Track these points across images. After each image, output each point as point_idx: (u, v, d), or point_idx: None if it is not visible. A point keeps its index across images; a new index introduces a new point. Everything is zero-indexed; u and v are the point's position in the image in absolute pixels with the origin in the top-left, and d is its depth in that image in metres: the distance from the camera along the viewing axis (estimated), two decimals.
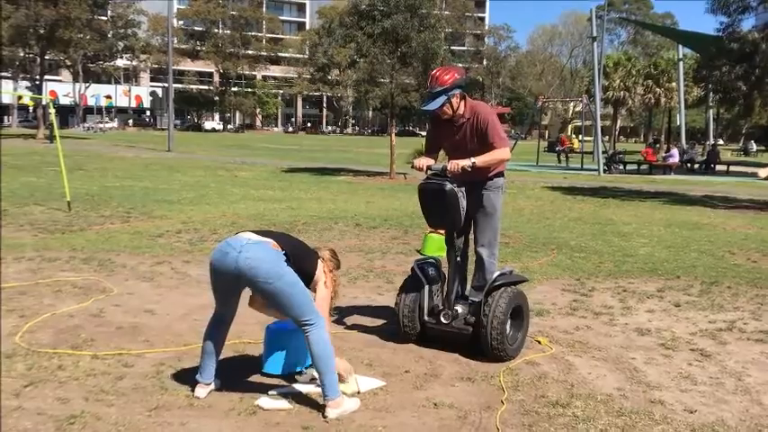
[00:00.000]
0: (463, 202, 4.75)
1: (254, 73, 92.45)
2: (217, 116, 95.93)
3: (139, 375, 4.38)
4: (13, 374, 4.31)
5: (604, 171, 27.79)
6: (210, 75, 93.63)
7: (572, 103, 67.27)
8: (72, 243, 8.69)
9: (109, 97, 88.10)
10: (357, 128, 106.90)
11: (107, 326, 5.40)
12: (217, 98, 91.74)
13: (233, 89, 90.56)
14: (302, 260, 4.07)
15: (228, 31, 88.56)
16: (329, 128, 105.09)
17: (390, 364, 4.72)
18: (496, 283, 4.86)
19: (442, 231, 8.32)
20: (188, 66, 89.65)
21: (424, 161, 4.90)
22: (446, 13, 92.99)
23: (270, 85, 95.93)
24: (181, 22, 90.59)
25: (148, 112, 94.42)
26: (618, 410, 4.00)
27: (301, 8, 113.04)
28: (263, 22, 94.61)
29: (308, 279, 4.12)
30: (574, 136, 40.83)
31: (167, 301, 6.15)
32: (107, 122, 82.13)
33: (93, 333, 5.20)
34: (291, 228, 10.41)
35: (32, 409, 3.80)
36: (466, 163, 4.69)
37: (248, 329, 5.16)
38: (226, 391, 4.13)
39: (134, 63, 78.03)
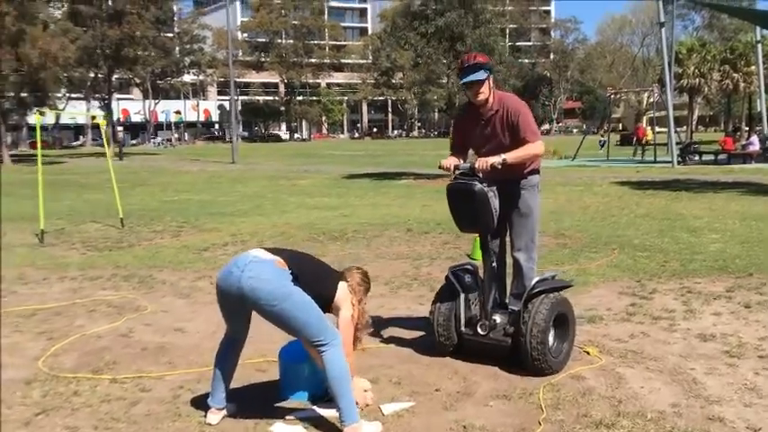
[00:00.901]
0: (495, 203, 4.41)
1: (318, 81, 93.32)
2: (284, 126, 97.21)
3: (155, 400, 4.20)
4: (28, 402, 4.21)
5: (679, 162, 26.67)
6: (275, 85, 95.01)
7: (645, 94, 65.25)
8: (117, 260, 8.69)
9: (178, 112, 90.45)
10: (423, 130, 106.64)
11: (133, 346, 5.27)
12: (283, 108, 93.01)
13: (298, 98, 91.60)
14: (316, 281, 3.80)
15: (291, 41, 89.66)
16: (395, 132, 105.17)
17: (421, 381, 4.41)
18: (536, 290, 4.50)
19: None
20: (253, 77, 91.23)
21: (452, 161, 4.58)
22: (510, 8, 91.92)
23: (334, 92, 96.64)
24: (245, 35, 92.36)
25: (217, 126, 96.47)
26: (669, 431, 3.59)
27: (363, 13, 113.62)
28: (326, 30, 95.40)
29: (325, 302, 3.86)
30: (649, 127, 39.44)
31: (200, 319, 6.01)
32: (175, 137, 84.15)
33: (118, 355, 5.07)
34: (341, 236, 10.21)
35: None
36: (496, 160, 4.35)
37: (275, 347, 4.92)
38: (240, 417, 3.91)
39: (201, 78, 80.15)
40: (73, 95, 64.13)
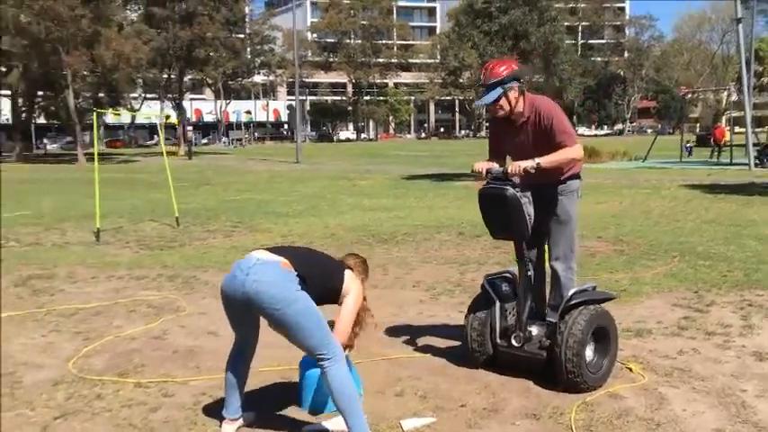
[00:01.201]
0: (529, 209, 4.19)
1: (385, 81, 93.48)
2: (351, 126, 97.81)
3: (176, 406, 4.14)
4: (51, 404, 4.20)
5: (756, 165, 25.55)
6: (343, 85, 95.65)
7: (725, 93, 62.97)
8: (165, 260, 8.76)
9: (249, 112, 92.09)
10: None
11: (164, 349, 5.24)
12: (350, 108, 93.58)
13: (365, 98, 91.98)
14: (325, 278, 3.67)
15: (359, 41, 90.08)
16: (462, 132, 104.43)
17: (447, 395, 4.22)
18: (573, 302, 4.25)
19: None
20: (321, 78, 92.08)
21: (484, 165, 4.36)
22: (582, 5, 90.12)
23: (401, 92, 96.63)
24: (314, 36, 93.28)
25: (286, 126, 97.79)
26: None
27: (432, 12, 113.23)
28: (394, 30, 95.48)
29: (336, 294, 3.73)
30: (727, 128, 37.85)
31: None
32: (245, 136, 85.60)
33: (148, 357, 5.05)
34: (390, 239, 10.07)
35: None
36: (529, 164, 4.13)
37: (300, 354, 4.81)
38: (257, 428, 3.80)
39: (271, 78, 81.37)
40: (148, 96, 66.14)
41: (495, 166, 4.29)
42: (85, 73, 38.18)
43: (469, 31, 20.52)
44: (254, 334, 3.77)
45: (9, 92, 44.68)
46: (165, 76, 50.12)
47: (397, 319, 5.95)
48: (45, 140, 69.33)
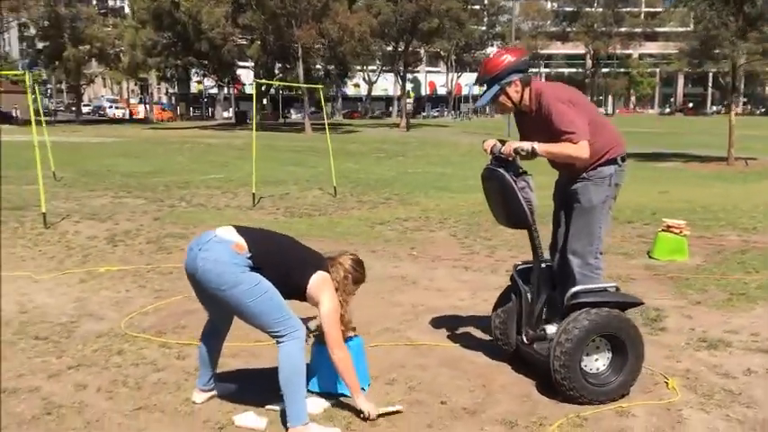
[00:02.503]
0: (530, 195, 3.78)
1: (627, 52, 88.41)
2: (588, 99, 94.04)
3: (179, 370, 4.28)
4: (77, 355, 4.52)
5: None
6: (579, 57, 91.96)
7: None
8: (295, 227, 9.05)
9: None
10: (749, 107, 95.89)
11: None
12: (587, 81, 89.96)
13: (603, 70, 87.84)
14: (283, 271, 3.50)
15: (601, 9, 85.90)
16: (713, 108, 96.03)
17: (437, 389, 3.94)
18: (576, 301, 3.75)
19: (678, 230, 6.94)
20: (557, 49, 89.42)
21: (491, 142, 3.96)
22: None
23: (645, 63, 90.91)
24: (554, 5, 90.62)
25: None
26: None
27: None
28: None
29: (298, 291, 3.56)
30: None
31: None
32: (472, 110, 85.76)
33: (195, 320, 5.18)
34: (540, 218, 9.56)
35: (43, 394, 3.92)
36: (523, 145, 3.72)
37: None
38: (226, 401, 3.82)
39: None
40: (385, 68, 68.60)
41: (499, 145, 3.88)
42: (315, 46, 40.40)
43: None
44: (220, 311, 3.70)
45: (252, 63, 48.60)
46: (391, 48, 51.59)
47: (463, 304, 5.68)
48: (291, 110, 74.67)
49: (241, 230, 3.55)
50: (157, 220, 9.57)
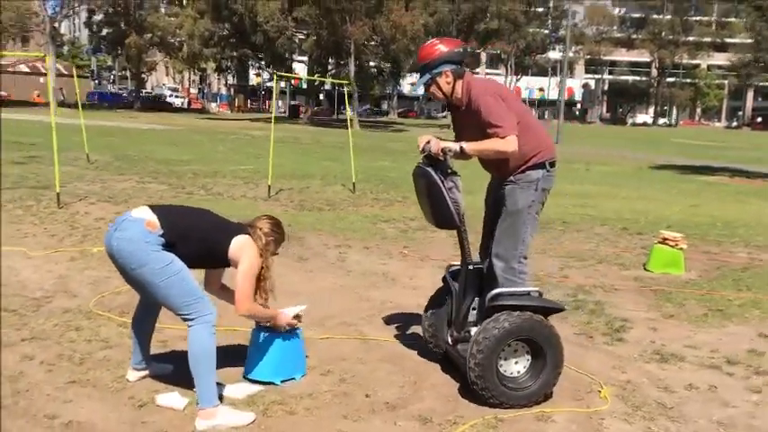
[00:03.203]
0: (456, 195, 3.79)
1: (694, 62, 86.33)
2: (651, 109, 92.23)
3: (129, 349, 4.36)
4: (36, 329, 4.69)
5: None
6: (644, 65, 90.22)
7: None
8: (300, 220, 9.18)
9: (542, 90, 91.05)
10: None
11: None
12: (653, 90, 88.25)
13: (668, 79, 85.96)
14: (203, 242, 3.62)
15: (669, 17, 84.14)
16: None
17: (368, 384, 4.00)
18: (497, 303, 3.76)
19: (673, 243, 6.85)
20: (621, 56, 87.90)
21: (425, 139, 3.96)
22: None
23: (713, 74, 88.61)
24: (622, 10, 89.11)
25: (578, 105, 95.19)
26: None
27: None
28: (714, 5, 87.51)
29: (221, 258, 3.68)
30: None
31: (292, 282, 6.02)
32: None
33: None
34: (545, 225, 9.48)
35: None
36: (450, 146, 3.74)
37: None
38: (158, 380, 3.94)
39: (568, 54, 79.56)
40: None
41: (433, 142, 3.89)
42: (368, 43, 40.62)
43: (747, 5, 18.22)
44: (144, 291, 3.76)
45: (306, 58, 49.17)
46: None
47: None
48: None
49: (155, 209, 3.65)
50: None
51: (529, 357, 3.77)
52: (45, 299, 5.39)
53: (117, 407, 3.64)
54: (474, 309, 4.09)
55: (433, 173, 3.77)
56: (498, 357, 3.66)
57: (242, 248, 3.67)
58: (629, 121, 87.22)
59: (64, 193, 9.62)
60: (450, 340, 4.07)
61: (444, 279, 4.33)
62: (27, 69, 60.54)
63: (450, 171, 3.81)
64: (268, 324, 3.96)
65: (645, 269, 7.15)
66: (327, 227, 8.82)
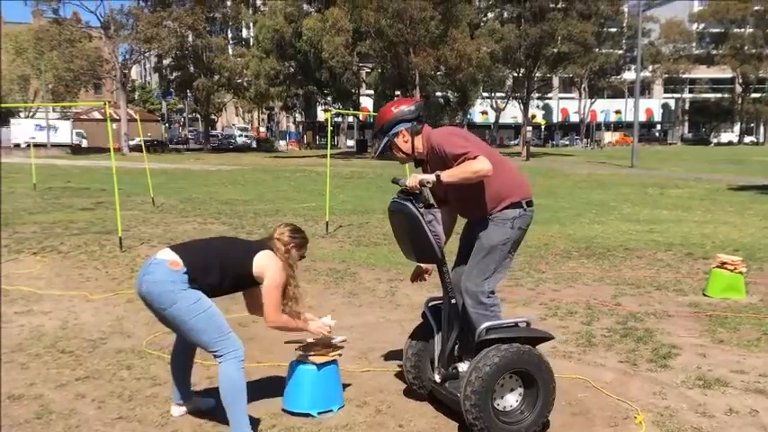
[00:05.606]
0: (436, 228, 3.90)
1: None
2: (736, 127, 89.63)
3: (163, 384, 4.69)
4: (91, 368, 5.04)
5: None
6: (726, 81, 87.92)
7: None
8: (354, 256, 9.41)
9: (618, 112, 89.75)
10: None
11: (249, 334, 5.71)
12: (736, 107, 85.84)
13: (753, 95, 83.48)
14: (226, 269, 3.86)
15: (751, 30, 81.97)
16: None
17: (397, 414, 4.17)
18: (486, 338, 3.83)
19: (732, 267, 6.82)
20: (701, 73, 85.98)
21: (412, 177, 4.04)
22: None
23: None
24: (700, 26, 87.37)
25: (658, 126, 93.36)
26: None
27: None
28: None
29: (250, 279, 3.92)
30: None
31: (341, 317, 6.18)
32: (606, 139, 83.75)
33: None
34: (595, 253, 9.49)
35: (43, 401, 4.45)
36: (427, 177, 3.84)
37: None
38: (202, 416, 4.18)
39: (644, 74, 78.40)
40: (514, 95, 68.61)
41: (411, 178, 3.96)
42: (433, 73, 41.10)
43: None
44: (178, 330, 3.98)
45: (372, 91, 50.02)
46: (518, 74, 51.54)
47: None
48: None
49: (175, 248, 3.94)
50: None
51: (521, 389, 3.86)
52: (101, 340, 5.76)
53: None
54: (457, 344, 4.17)
55: (411, 206, 3.86)
56: (494, 394, 3.74)
57: (264, 264, 3.90)
58: (713, 140, 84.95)
59: (127, 237, 10.15)
60: (437, 378, 4.14)
61: (424, 315, 4.38)
62: (99, 116, 63.32)
63: (429, 203, 3.90)
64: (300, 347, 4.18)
65: (704, 294, 7.09)
66: (381, 261, 9.04)
